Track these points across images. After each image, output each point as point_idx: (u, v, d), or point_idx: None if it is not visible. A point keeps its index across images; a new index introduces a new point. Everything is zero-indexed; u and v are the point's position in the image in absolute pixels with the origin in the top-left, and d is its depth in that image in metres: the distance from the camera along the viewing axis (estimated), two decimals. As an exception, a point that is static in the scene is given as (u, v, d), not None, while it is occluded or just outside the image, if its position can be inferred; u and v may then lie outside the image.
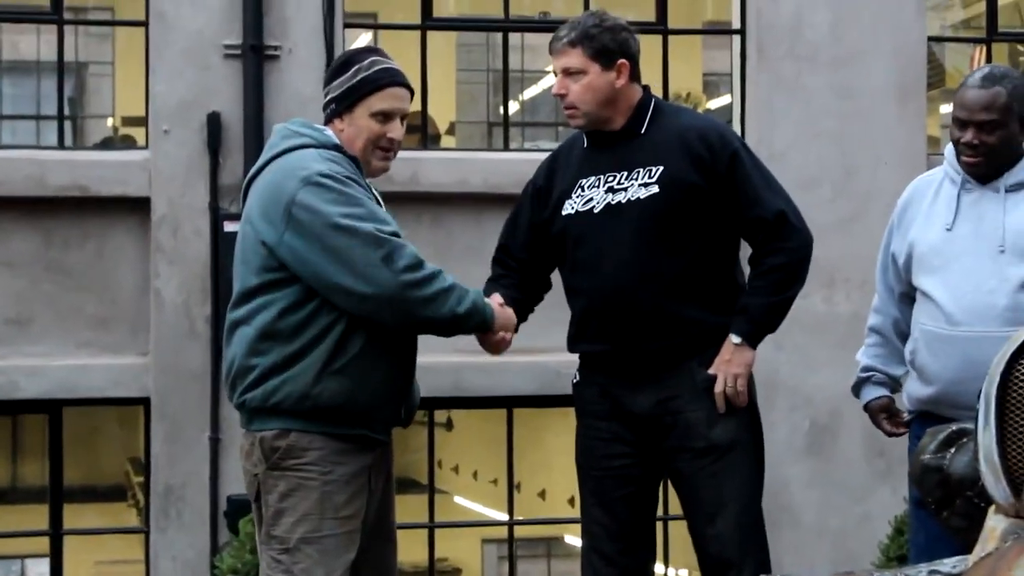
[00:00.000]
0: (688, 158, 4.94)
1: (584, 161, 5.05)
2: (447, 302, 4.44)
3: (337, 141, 4.57)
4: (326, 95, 4.66)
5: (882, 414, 5.27)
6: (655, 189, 4.92)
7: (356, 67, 4.59)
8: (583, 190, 5.00)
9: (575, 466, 5.19)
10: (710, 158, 4.95)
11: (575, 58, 4.96)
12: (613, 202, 4.95)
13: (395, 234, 4.42)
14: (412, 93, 4.73)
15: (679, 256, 4.95)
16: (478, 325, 4.61)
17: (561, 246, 5.06)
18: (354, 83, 4.58)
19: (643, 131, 5.01)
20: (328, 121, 4.64)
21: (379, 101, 4.58)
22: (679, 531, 5.26)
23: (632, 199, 4.93)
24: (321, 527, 4.47)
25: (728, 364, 4.97)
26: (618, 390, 5.01)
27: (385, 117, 4.59)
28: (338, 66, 4.67)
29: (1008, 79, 4.90)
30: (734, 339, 4.98)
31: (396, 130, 4.62)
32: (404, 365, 4.61)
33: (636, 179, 4.95)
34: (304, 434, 4.48)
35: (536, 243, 5.14)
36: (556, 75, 5.01)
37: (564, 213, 5.01)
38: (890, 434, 5.28)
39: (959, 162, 4.99)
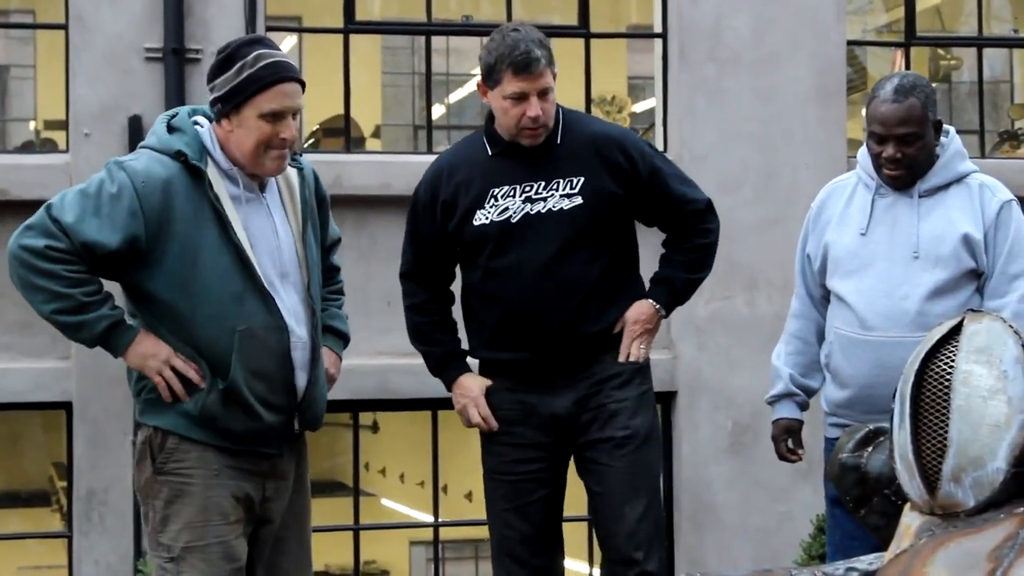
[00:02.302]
0: (606, 168, 5.04)
1: (493, 170, 5.04)
2: (40, 296, 4.30)
3: (178, 147, 4.34)
4: (211, 91, 4.41)
5: (786, 436, 5.34)
6: (578, 200, 4.99)
7: (240, 63, 4.32)
8: (496, 200, 5.01)
9: (484, 471, 5.20)
10: (630, 168, 5.06)
11: (549, 77, 4.96)
12: (532, 212, 4.98)
13: (75, 237, 4.25)
14: (303, 85, 4.45)
15: (597, 263, 5.05)
16: (85, 341, 4.42)
17: (472, 255, 5.06)
18: (239, 82, 4.32)
19: (558, 140, 5.05)
20: (216, 120, 4.42)
21: (267, 101, 4.33)
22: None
23: (554, 209, 4.98)
24: (206, 534, 4.38)
25: (643, 324, 5.10)
26: (532, 396, 5.06)
27: (275, 117, 4.35)
28: (221, 61, 4.37)
29: (919, 88, 4.95)
30: (656, 304, 5.12)
31: (288, 129, 4.37)
32: (269, 380, 4.45)
33: (556, 189, 4.99)
34: (185, 439, 4.41)
35: (440, 256, 5.15)
36: (527, 97, 4.91)
37: (477, 223, 5.01)
38: (782, 457, 5.37)
39: (880, 175, 5.04)
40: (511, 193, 5.00)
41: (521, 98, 4.92)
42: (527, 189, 5.00)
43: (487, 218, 5.00)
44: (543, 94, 4.94)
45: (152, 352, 4.37)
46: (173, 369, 4.37)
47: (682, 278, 5.20)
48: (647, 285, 5.22)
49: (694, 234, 5.20)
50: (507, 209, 5.00)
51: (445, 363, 5.20)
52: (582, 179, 5.00)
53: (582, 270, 5.01)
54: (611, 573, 5.12)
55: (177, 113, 4.51)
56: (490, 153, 5.07)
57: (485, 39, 5.09)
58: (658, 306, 5.13)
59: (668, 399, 8.73)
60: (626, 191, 5.05)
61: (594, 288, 5.03)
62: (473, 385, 5.12)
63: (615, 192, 5.03)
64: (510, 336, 5.03)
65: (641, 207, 5.13)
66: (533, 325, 4.99)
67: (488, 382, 5.10)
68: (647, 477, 5.11)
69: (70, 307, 4.31)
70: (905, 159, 4.96)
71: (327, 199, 4.82)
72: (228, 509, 4.41)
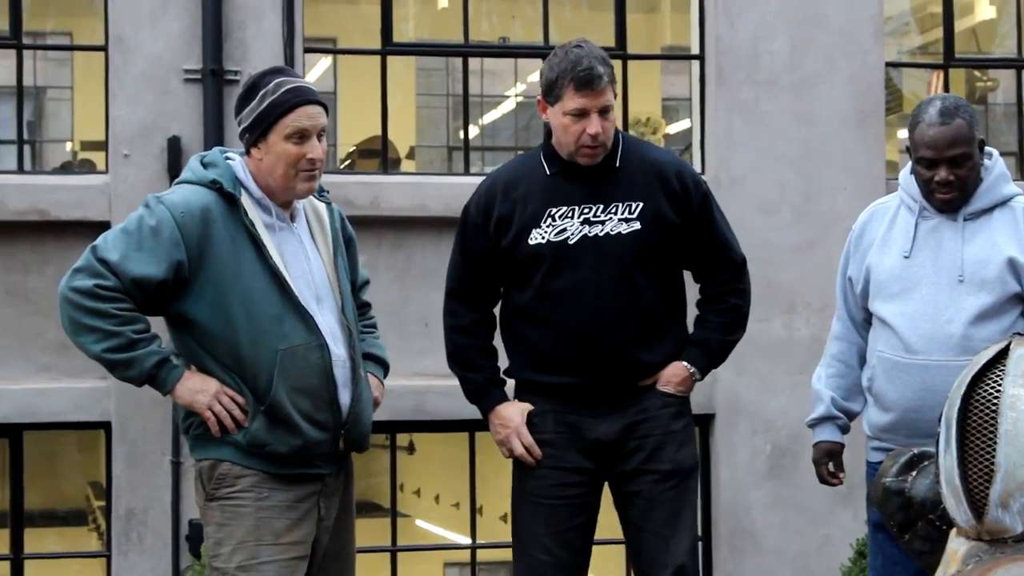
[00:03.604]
0: (665, 195, 5.01)
1: (551, 190, 4.98)
2: (90, 336, 4.38)
3: (213, 176, 4.46)
4: (239, 124, 4.53)
5: (828, 459, 5.31)
6: (637, 225, 4.95)
7: (262, 92, 4.45)
8: (554, 220, 4.95)
9: (516, 494, 5.11)
10: (684, 197, 5.03)
11: (611, 95, 4.92)
12: (590, 234, 4.94)
13: (124, 275, 4.34)
14: (326, 108, 4.56)
15: (652, 290, 5.02)
16: (133, 379, 4.48)
17: (525, 275, 4.99)
18: (263, 109, 4.45)
19: (617, 163, 5.01)
20: (247, 151, 4.54)
21: (291, 122, 4.44)
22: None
23: (612, 233, 4.94)
24: (258, 554, 4.43)
25: (675, 387, 5.07)
26: (579, 420, 5.00)
27: (301, 137, 4.45)
28: (244, 93, 4.51)
29: (962, 108, 4.93)
30: (690, 368, 5.07)
31: (315, 149, 4.47)
32: (313, 398, 4.49)
33: (615, 213, 4.95)
34: (236, 465, 4.48)
35: (489, 274, 5.08)
36: (588, 114, 4.87)
37: (532, 242, 4.95)
38: (823, 480, 5.33)
39: (931, 201, 5.00)
40: (569, 214, 4.95)
41: (582, 115, 4.87)
42: (586, 211, 4.95)
43: (543, 237, 4.94)
44: (604, 112, 4.89)
45: (201, 388, 4.43)
46: (221, 404, 4.44)
47: (717, 340, 5.16)
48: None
49: (728, 293, 5.16)
50: (565, 230, 4.94)
51: (484, 390, 5.11)
52: (641, 204, 4.97)
53: (638, 296, 4.97)
54: None
55: (209, 153, 4.64)
56: (548, 172, 5.01)
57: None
58: (693, 369, 5.08)
59: (706, 422, 8.71)
60: (683, 221, 5.03)
61: (649, 315, 5.00)
62: (514, 414, 5.03)
63: (673, 221, 5.01)
64: (562, 360, 4.97)
65: (686, 240, 5.07)
66: (587, 349, 4.94)
67: (528, 407, 5.03)
68: (691, 512, 5.10)
69: (120, 345, 4.38)
70: (958, 181, 4.93)
71: (354, 239, 4.89)
72: (280, 530, 4.45)
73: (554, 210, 4.95)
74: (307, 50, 8.67)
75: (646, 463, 5.01)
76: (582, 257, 4.93)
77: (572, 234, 4.94)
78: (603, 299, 4.93)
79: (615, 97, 4.96)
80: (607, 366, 4.96)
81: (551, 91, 4.93)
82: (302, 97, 4.47)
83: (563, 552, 5.03)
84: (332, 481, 4.60)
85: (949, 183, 4.93)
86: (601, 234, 4.94)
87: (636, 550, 5.09)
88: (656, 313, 5.03)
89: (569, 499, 5.02)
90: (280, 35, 8.38)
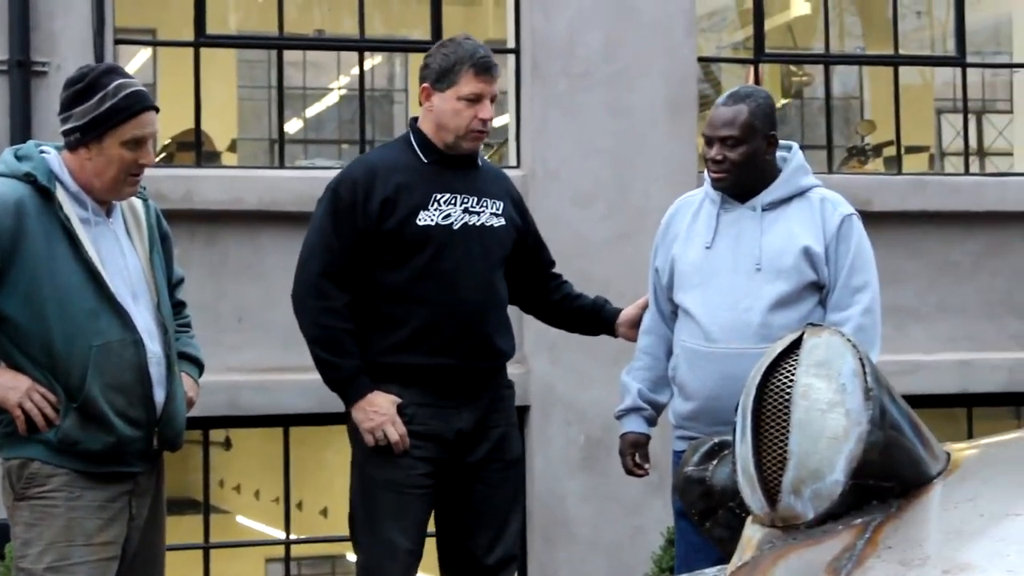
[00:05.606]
0: (511, 200, 5.29)
1: (432, 176, 5.10)
2: None
3: (27, 169, 4.37)
4: (65, 120, 4.44)
5: (633, 450, 5.37)
6: (503, 221, 5.20)
7: (102, 94, 4.38)
8: (439, 204, 5.08)
9: (372, 484, 5.10)
10: (520, 204, 5.37)
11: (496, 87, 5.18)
12: (470, 223, 5.11)
13: None
14: (158, 110, 4.53)
15: (503, 286, 5.25)
16: None
17: (407, 255, 5.05)
18: (101, 113, 4.38)
19: (479, 163, 5.25)
20: (71, 149, 4.45)
21: (130, 130, 4.40)
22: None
23: (487, 225, 5.14)
24: (69, 555, 4.36)
25: None
26: (442, 411, 5.08)
27: (136, 144, 4.42)
28: (80, 91, 4.41)
29: (752, 98, 5.06)
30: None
31: (147, 155, 4.46)
32: (126, 395, 4.45)
33: (487, 208, 5.16)
34: (47, 464, 4.40)
35: (362, 256, 5.08)
36: (482, 100, 5.08)
37: (421, 223, 5.04)
38: (628, 471, 5.40)
39: (709, 178, 5.14)
40: (452, 201, 5.10)
41: (476, 100, 5.05)
42: (465, 201, 5.12)
43: (432, 220, 5.06)
44: (492, 100, 5.11)
45: (12, 384, 4.35)
46: (32, 401, 4.35)
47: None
48: (573, 312, 5.60)
49: (563, 281, 5.57)
50: (449, 215, 5.08)
51: (355, 377, 5.08)
52: (502, 204, 5.22)
53: (499, 289, 5.22)
54: None
55: (23, 146, 4.54)
56: (425, 160, 5.13)
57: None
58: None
59: (521, 414, 8.72)
60: (521, 224, 5.32)
61: (503, 306, 5.26)
62: (386, 403, 5.04)
63: (519, 225, 5.30)
64: (435, 340, 5.06)
65: (521, 243, 5.34)
66: (463, 331, 5.07)
67: (397, 399, 5.05)
68: (521, 498, 5.40)
69: None
70: (727, 162, 5.05)
71: (170, 236, 4.84)
72: (92, 531, 4.40)
73: (438, 195, 5.09)
74: (118, 41, 8.52)
75: (493, 452, 5.16)
76: (464, 243, 5.09)
77: (455, 220, 5.09)
78: (478, 285, 5.11)
79: None
80: (477, 350, 5.11)
81: (445, 77, 5.07)
82: (143, 103, 4.43)
83: (421, 542, 5.11)
84: (144, 480, 4.55)
85: (718, 162, 5.06)
86: (479, 224, 5.13)
87: (468, 535, 5.18)
88: (504, 305, 5.27)
89: (427, 489, 5.09)
90: (90, 25, 8.22)
